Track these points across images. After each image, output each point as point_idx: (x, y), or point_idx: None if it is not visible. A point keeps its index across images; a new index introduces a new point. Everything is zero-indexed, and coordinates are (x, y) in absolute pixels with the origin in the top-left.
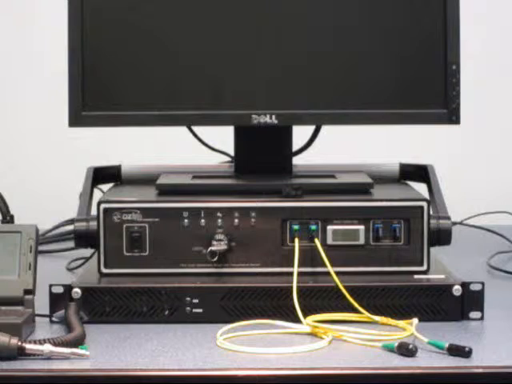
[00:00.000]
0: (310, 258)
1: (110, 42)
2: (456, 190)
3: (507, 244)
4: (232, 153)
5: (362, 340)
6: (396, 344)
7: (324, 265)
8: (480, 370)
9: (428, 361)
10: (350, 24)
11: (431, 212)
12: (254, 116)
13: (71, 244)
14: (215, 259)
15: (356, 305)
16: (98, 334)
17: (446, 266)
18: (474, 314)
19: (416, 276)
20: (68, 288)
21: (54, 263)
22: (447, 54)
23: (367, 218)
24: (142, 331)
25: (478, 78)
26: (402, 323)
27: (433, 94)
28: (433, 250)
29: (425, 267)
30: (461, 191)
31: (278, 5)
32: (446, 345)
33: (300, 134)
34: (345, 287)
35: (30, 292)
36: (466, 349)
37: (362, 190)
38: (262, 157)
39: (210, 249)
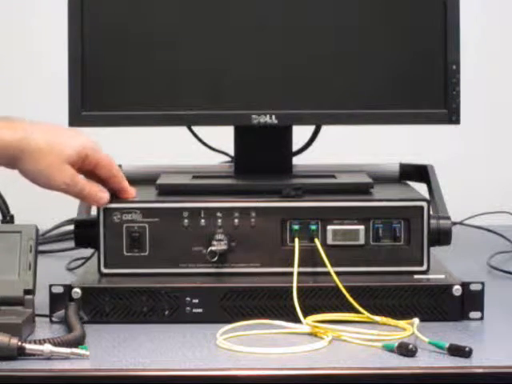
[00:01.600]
0: (310, 257)
1: (109, 42)
2: (456, 190)
3: (507, 244)
4: (232, 153)
5: (362, 340)
6: (396, 344)
7: (324, 265)
8: (480, 370)
9: (428, 361)
10: (349, 24)
11: (431, 212)
12: (254, 116)
13: (71, 244)
14: (215, 259)
15: (356, 305)
16: (98, 334)
17: (446, 266)
18: (474, 314)
19: (416, 276)
20: (68, 288)
21: (54, 263)
22: (447, 54)
23: (367, 218)
24: (141, 331)
25: (478, 78)
26: (402, 323)
27: (433, 94)
28: (433, 250)
29: (425, 267)
30: (461, 191)
31: (278, 5)
32: (447, 345)
33: (300, 134)
34: (345, 287)
35: (29, 292)
36: (466, 349)
37: (361, 189)
38: (262, 157)
39: (209, 249)
